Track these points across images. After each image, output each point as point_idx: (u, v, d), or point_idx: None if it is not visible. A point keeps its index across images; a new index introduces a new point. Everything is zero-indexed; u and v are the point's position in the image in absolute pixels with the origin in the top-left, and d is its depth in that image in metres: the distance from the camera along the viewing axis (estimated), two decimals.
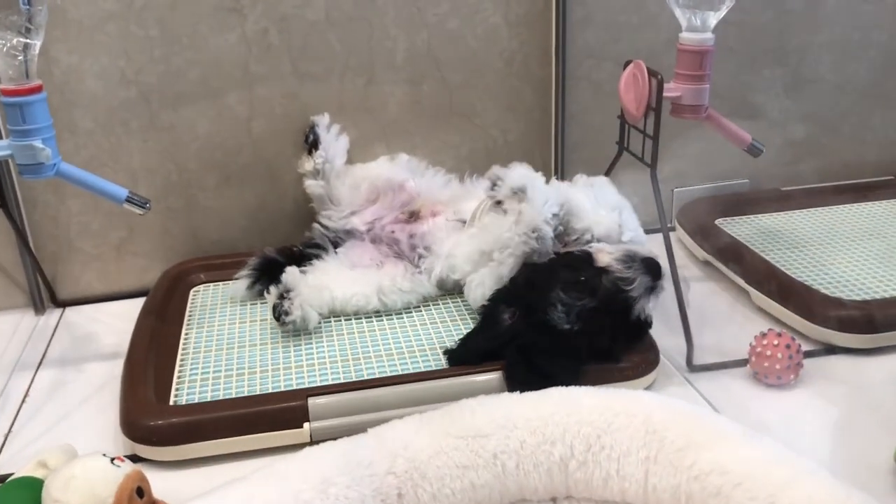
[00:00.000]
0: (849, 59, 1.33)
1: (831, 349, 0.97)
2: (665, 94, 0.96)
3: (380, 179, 1.15)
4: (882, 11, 1.31)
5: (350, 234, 1.12)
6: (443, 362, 0.93)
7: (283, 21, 1.12)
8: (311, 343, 0.98)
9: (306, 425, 0.83)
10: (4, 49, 0.83)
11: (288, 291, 0.98)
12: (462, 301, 1.06)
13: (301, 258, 1.10)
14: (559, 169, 1.26)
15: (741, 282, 1.11)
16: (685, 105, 0.99)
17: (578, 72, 1.23)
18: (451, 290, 1.08)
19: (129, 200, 0.93)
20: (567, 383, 0.79)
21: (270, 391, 0.89)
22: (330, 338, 0.99)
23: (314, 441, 0.82)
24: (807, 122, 1.35)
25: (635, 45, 1.22)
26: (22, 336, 1.09)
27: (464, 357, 0.91)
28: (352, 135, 1.19)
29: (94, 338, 1.08)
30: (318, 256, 1.10)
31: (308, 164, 1.15)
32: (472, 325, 0.99)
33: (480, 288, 0.98)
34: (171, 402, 0.88)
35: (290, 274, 1.00)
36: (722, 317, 1.07)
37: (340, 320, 1.03)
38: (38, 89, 0.86)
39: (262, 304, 1.08)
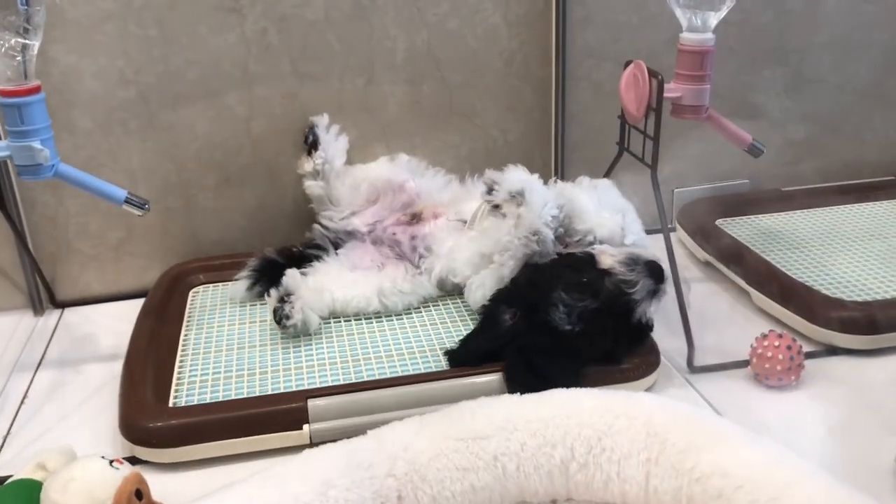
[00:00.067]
0: (849, 59, 1.32)
1: (832, 350, 0.97)
2: (665, 94, 0.95)
3: (380, 180, 1.14)
4: (882, 11, 1.31)
5: (351, 235, 1.12)
6: (443, 363, 0.93)
7: (283, 21, 1.11)
8: (311, 344, 0.98)
9: (306, 427, 0.83)
10: (3, 50, 0.83)
11: (288, 295, 0.98)
12: (462, 302, 1.06)
13: (301, 259, 1.10)
14: (559, 169, 1.26)
15: (742, 283, 1.10)
16: (686, 105, 0.98)
17: (578, 72, 1.22)
18: (451, 291, 1.07)
19: (128, 201, 0.92)
20: (567, 385, 0.79)
21: (270, 393, 0.89)
22: (330, 339, 0.99)
23: (314, 443, 0.82)
24: (807, 123, 1.35)
25: (635, 46, 1.22)
26: (21, 337, 1.09)
27: (464, 358, 0.91)
28: (351, 135, 1.18)
29: (93, 339, 1.08)
30: (318, 257, 1.09)
31: (308, 165, 1.15)
32: (472, 327, 0.99)
33: (481, 290, 0.98)
34: (171, 404, 0.88)
35: (291, 277, 1.00)
36: (722, 318, 1.07)
37: (340, 322, 1.03)
38: (36, 90, 0.86)
39: (261, 305, 1.08)
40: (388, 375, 0.91)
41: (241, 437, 0.82)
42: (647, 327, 0.90)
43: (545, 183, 0.99)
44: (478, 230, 1.02)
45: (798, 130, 1.35)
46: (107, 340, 1.07)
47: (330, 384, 0.90)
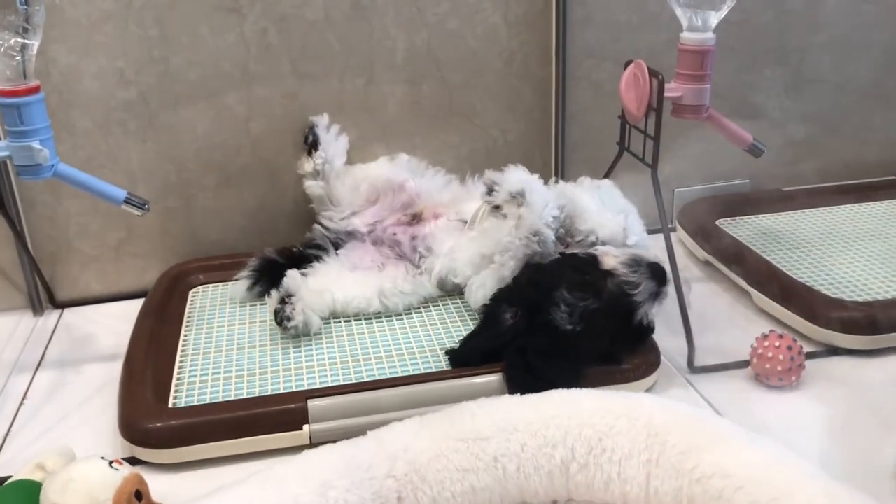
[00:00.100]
0: (849, 58, 1.32)
1: (833, 350, 0.97)
2: (666, 94, 0.95)
3: (380, 180, 1.14)
4: (882, 11, 1.31)
5: (351, 235, 1.12)
6: (443, 364, 0.93)
7: (283, 21, 1.11)
8: (311, 345, 0.98)
9: (306, 427, 0.83)
10: (2, 49, 0.83)
11: (289, 296, 0.98)
12: (462, 302, 1.06)
13: (301, 259, 1.10)
14: (559, 169, 1.25)
15: (742, 283, 1.10)
16: (686, 105, 0.98)
17: (579, 72, 1.22)
18: (451, 291, 1.07)
19: (127, 201, 0.92)
20: (567, 385, 0.79)
21: (270, 393, 0.89)
22: (329, 339, 0.99)
23: (313, 443, 0.82)
24: (808, 122, 1.34)
25: (636, 45, 1.22)
26: (20, 337, 1.09)
27: (465, 357, 0.91)
28: (351, 135, 1.18)
29: (93, 339, 1.08)
30: (318, 258, 1.09)
31: (308, 165, 1.14)
32: (472, 327, 0.98)
33: (482, 290, 0.98)
34: (170, 404, 0.88)
35: (291, 278, 1.00)
36: (723, 318, 1.07)
37: (340, 322, 1.03)
38: (35, 90, 0.86)
39: (261, 305, 1.08)
40: (389, 376, 0.91)
41: (240, 437, 0.82)
42: (648, 329, 0.90)
43: (546, 183, 0.99)
44: (478, 230, 1.02)
45: (798, 130, 1.35)
46: (107, 341, 1.07)
47: (330, 384, 0.90)
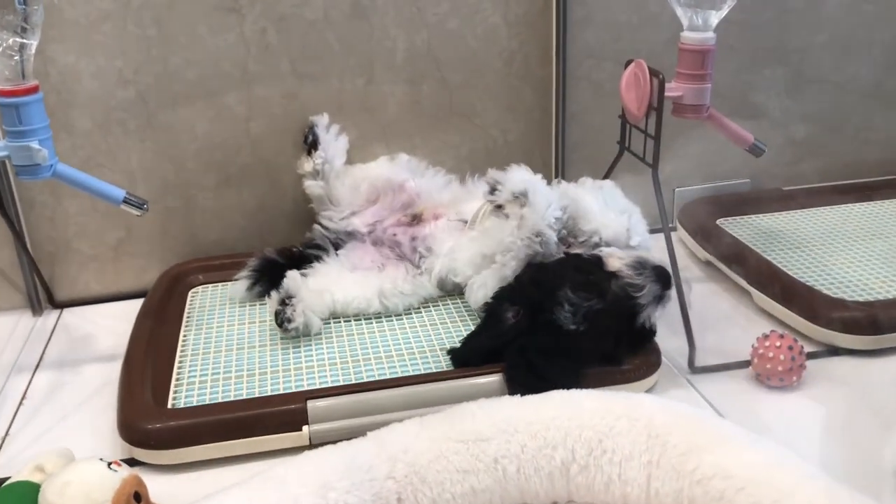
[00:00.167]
0: (850, 58, 1.32)
1: (834, 351, 0.97)
2: (666, 93, 0.95)
3: (380, 180, 1.14)
4: (883, 10, 1.30)
5: (351, 235, 1.12)
6: (443, 364, 0.93)
7: (282, 21, 1.11)
8: (311, 345, 0.98)
9: (305, 428, 0.82)
10: (0, 49, 0.82)
11: (290, 297, 0.98)
12: (463, 302, 1.06)
13: (301, 259, 1.10)
14: (559, 169, 1.25)
15: (743, 283, 1.10)
16: (687, 105, 0.98)
17: (579, 71, 1.22)
18: (451, 291, 1.07)
19: (126, 201, 0.92)
20: (568, 385, 0.78)
21: (269, 394, 0.89)
22: (329, 340, 0.99)
23: (313, 444, 0.82)
24: (808, 122, 1.34)
25: (636, 45, 1.22)
26: (19, 337, 1.09)
27: (466, 357, 0.91)
28: (351, 135, 1.18)
29: (92, 339, 1.08)
30: (318, 258, 1.09)
31: (307, 165, 1.14)
32: (472, 327, 0.98)
33: (483, 289, 0.98)
34: (170, 405, 0.87)
35: (292, 279, 1.00)
36: (724, 318, 1.06)
37: (340, 322, 1.03)
38: (34, 90, 0.85)
39: (261, 305, 1.08)
40: (389, 376, 0.91)
41: (240, 438, 0.82)
42: (650, 332, 0.90)
43: (548, 183, 0.99)
44: (479, 230, 1.01)
45: (799, 130, 1.35)
46: (106, 341, 1.07)
47: (330, 385, 0.90)
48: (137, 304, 1.09)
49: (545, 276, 0.92)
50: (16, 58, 0.83)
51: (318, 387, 0.89)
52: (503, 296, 0.94)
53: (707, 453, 0.67)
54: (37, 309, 1.15)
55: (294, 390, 0.89)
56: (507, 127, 1.24)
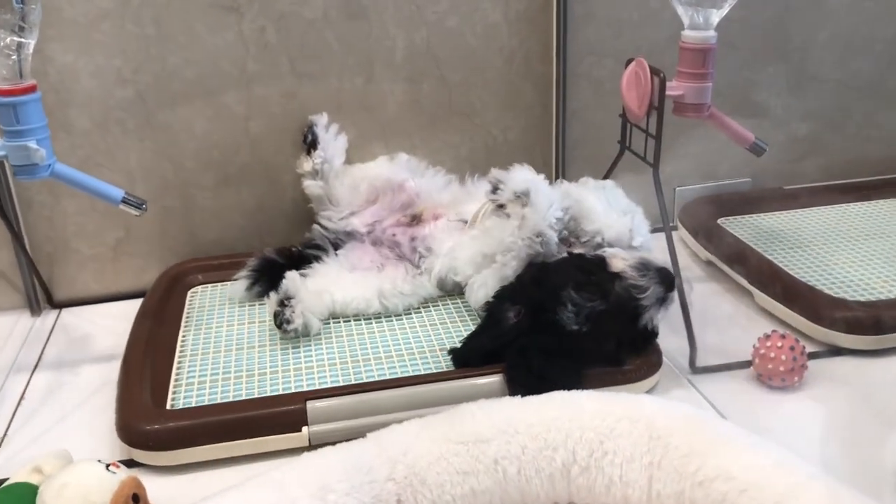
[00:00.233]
0: (852, 55, 1.32)
1: (836, 351, 0.96)
2: (667, 92, 0.94)
3: (379, 179, 1.14)
4: (885, 8, 1.30)
5: (350, 235, 1.11)
6: (443, 365, 0.92)
7: (281, 19, 1.11)
8: (310, 346, 0.97)
9: (305, 429, 0.82)
10: None
11: (289, 298, 0.97)
12: (463, 302, 1.05)
13: (300, 259, 1.09)
14: (560, 168, 1.25)
15: (744, 282, 1.10)
16: (688, 103, 0.98)
17: (579, 69, 1.22)
18: (451, 290, 1.07)
19: (125, 201, 0.91)
20: (569, 386, 0.78)
21: (269, 394, 0.88)
22: (329, 340, 0.98)
23: (313, 445, 0.82)
24: (810, 120, 1.34)
25: (636, 43, 1.21)
26: (18, 338, 1.08)
27: (466, 357, 0.90)
28: (350, 134, 1.18)
29: (91, 340, 1.07)
30: (317, 258, 1.09)
31: (307, 164, 1.14)
32: (472, 327, 0.98)
33: (483, 289, 0.97)
34: (168, 406, 0.87)
35: (291, 280, 0.99)
36: (725, 318, 1.06)
37: (340, 322, 1.02)
38: (31, 89, 0.85)
39: (260, 305, 1.07)
40: (388, 377, 0.90)
41: (239, 439, 0.82)
42: (652, 334, 0.89)
43: (550, 183, 0.99)
44: (480, 229, 1.01)
45: (800, 128, 1.34)
46: (105, 341, 1.06)
47: (329, 386, 0.89)
48: (136, 304, 1.08)
49: (548, 276, 0.91)
50: (13, 57, 0.83)
51: (317, 387, 0.89)
52: (504, 295, 0.94)
53: (709, 455, 0.67)
54: (35, 309, 1.14)
55: (293, 391, 0.89)
56: (508, 125, 1.23)
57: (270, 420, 0.82)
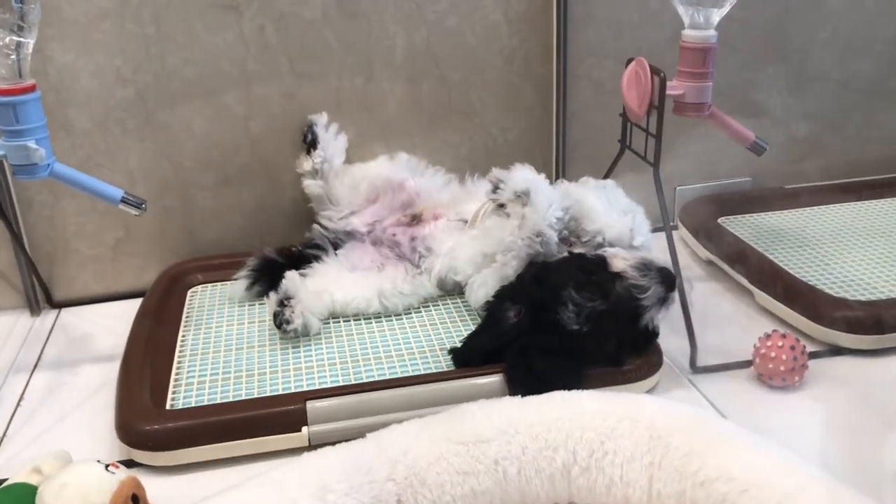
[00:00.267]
0: (853, 55, 1.31)
1: (836, 350, 0.96)
2: (668, 91, 0.94)
3: (379, 179, 1.14)
4: (886, 7, 1.30)
5: (350, 235, 1.11)
6: (444, 364, 0.92)
7: (281, 19, 1.10)
8: (310, 345, 0.97)
9: (305, 429, 0.82)
10: None
11: (288, 299, 0.97)
12: (463, 302, 1.05)
13: (300, 259, 1.09)
14: (560, 168, 1.25)
15: (745, 282, 1.09)
16: (688, 103, 0.97)
17: (579, 70, 1.21)
18: (451, 290, 1.07)
19: (124, 201, 0.91)
20: (569, 386, 0.78)
21: (268, 394, 0.88)
22: (329, 340, 0.98)
23: (312, 445, 0.81)
24: (810, 120, 1.34)
25: (637, 43, 1.21)
26: (17, 338, 1.08)
27: (467, 356, 0.90)
28: (350, 134, 1.17)
29: (91, 340, 1.07)
30: (317, 258, 1.09)
31: (306, 164, 1.14)
32: (473, 327, 0.98)
33: (483, 288, 0.97)
34: (168, 406, 0.87)
35: (290, 280, 0.99)
36: (725, 317, 1.06)
37: (339, 322, 1.02)
38: (31, 89, 0.85)
39: (260, 305, 1.07)
40: (388, 377, 0.90)
41: (238, 439, 0.81)
42: (652, 334, 0.89)
43: (550, 183, 0.98)
44: (480, 228, 1.01)
45: (800, 128, 1.34)
46: (104, 341, 1.06)
47: (329, 385, 0.89)
48: (136, 304, 1.08)
49: (548, 276, 0.91)
50: (13, 56, 0.83)
51: (317, 387, 0.89)
52: (504, 295, 0.93)
53: (710, 455, 0.67)
54: (35, 309, 1.14)
55: (293, 391, 0.88)
56: (508, 125, 1.23)
57: (270, 420, 0.82)
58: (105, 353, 1.02)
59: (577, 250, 0.96)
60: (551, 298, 0.88)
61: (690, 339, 0.95)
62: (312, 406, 0.83)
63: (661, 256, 0.92)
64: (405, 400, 0.84)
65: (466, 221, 1.05)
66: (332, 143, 1.14)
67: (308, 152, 1.14)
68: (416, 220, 1.10)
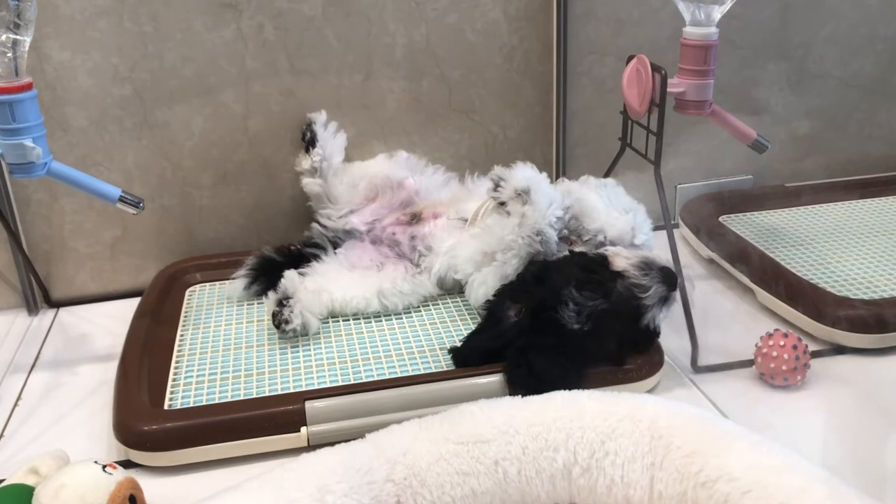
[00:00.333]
0: (854, 53, 1.31)
1: (839, 349, 0.96)
2: (669, 89, 0.94)
3: (378, 177, 1.13)
4: (888, 5, 1.29)
5: (349, 234, 1.11)
6: (443, 364, 0.92)
7: (279, 16, 1.10)
8: (309, 345, 0.97)
9: (303, 429, 0.81)
10: None
11: (287, 298, 0.96)
12: (463, 301, 1.05)
13: (299, 258, 1.09)
14: (561, 166, 1.24)
15: (746, 280, 1.09)
16: (689, 101, 0.97)
17: (580, 67, 1.21)
18: (451, 289, 1.06)
19: (122, 200, 0.91)
20: (570, 386, 0.77)
21: (267, 394, 0.87)
22: (328, 339, 0.98)
23: (311, 445, 0.81)
24: (812, 118, 1.33)
25: (637, 40, 1.21)
26: (15, 337, 1.08)
27: (466, 356, 0.90)
28: (349, 132, 1.17)
29: (89, 339, 1.07)
30: (316, 257, 1.08)
31: (305, 162, 1.13)
32: (472, 326, 0.97)
33: (483, 287, 0.97)
34: (166, 406, 0.86)
35: (289, 279, 0.99)
36: (727, 316, 1.05)
37: (339, 321, 1.02)
38: (27, 87, 0.84)
39: (259, 304, 1.07)
40: (388, 376, 0.90)
41: (237, 440, 0.81)
42: (654, 333, 0.89)
43: (552, 182, 0.98)
44: (480, 227, 1.00)
45: (802, 126, 1.34)
46: (102, 341, 1.06)
47: (328, 385, 0.88)
48: (134, 303, 1.07)
49: (549, 275, 0.91)
50: (9, 54, 0.82)
51: (316, 387, 0.88)
52: (505, 294, 0.93)
53: (711, 455, 0.66)
54: (32, 308, 1.14)
55: (292, 391, 0.88)
56: (508, 123, 1.22)
57: (269, 420, 0.82)
58: (103, 353, 1.02)
59: (578, 249, 0.96)
60: (552, 297, 0.87)
61: (692, 338, 0.94)
62: (311, 406, 0.82)
63: (662, 255, 0.91)
64: (405, 400, 0.83)
65: (466, 220, 1.04)
66: (331, 141, 1.14)
67: (307, 150, 1.13)
68: (415, 218, 1.09)
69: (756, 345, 0.91)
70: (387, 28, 1.14)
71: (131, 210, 0.92)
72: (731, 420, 0.82)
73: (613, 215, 0.97)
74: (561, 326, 0.86)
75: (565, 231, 0.97)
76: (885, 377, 0.91)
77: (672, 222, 1.13)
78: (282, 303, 0.96)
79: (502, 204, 0.97)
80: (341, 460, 0.68)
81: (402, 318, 1.02)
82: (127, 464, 0.80)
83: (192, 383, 0.90)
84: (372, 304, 1.02)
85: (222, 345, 0.98)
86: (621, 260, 0.89)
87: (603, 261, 0.90)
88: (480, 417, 0.73)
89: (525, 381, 0.82)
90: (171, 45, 1.08)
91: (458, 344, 0.92)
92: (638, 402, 0.73)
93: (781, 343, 0.88)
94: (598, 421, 0.71)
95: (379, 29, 1.13)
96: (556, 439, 0.71)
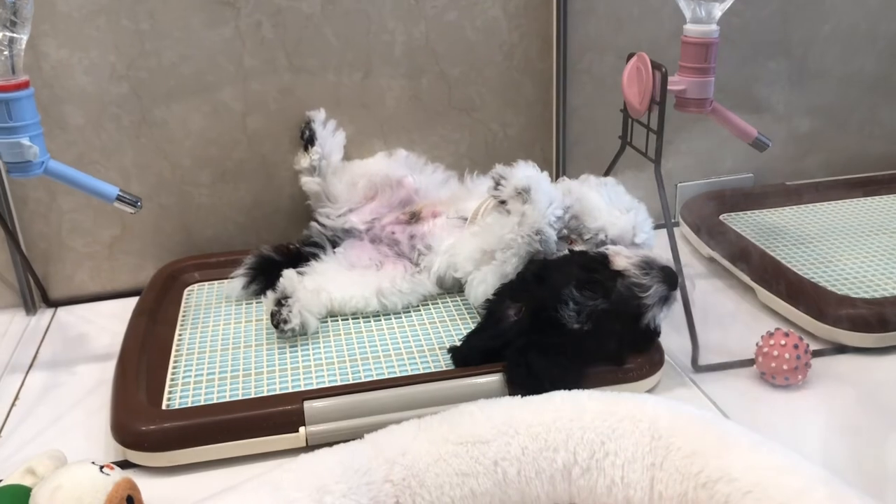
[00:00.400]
0: (855, 51, 1.31)
1: (840, 349, 0.95)
2: (669, 87, 0.93)
3: (378, 176, 1.13)
4: (888, 2, 1.29)
5: (348, 233, 1.10)
6: (442, 364, 0.91)
7: (278, 14, 1.09)
8: (308, 345, 0.96)
9: (302, 429, 0.81)
10: None
11: (286, 298, 0.96)
12: (462, 300, 1.04)
13: (298, 257, 1.08)
14: (560, 164, 1.24)
15: (747, 279, 1.09)
16: (690, 98, 0.97)
17: (580, 65, 1.20)
18: (450, 288, 1.06)
19: (119, 199, 0.91)
20: (570, 386, 0.77)
21: (265, 394, 0.87)
22: (327, 339, 0.97)
23: (310, 446, 0.81)
24: (812, 116, 1.33)
25: (638, 38, 1.20)
26: (13, 337, 1.07)
27: (466, 356, 0.89)
28: (349, 130, 1.17)
29: (87, 339, 1.06)
30: (315, 256, 1.08)
31: (304, 161, 1.13)
32: (472, 325, 0.97)
33: (483, 285, 0.97)
34: (164, 406, 0.86)
35: (288, 279, 0.98)
36: (727, 316, 1.05)
37: (338, 321, 1.01)
38: (24, 85, 0.84)
39: (257, 303, 1.06)
40: (387, 376, 0.89)
41: (235, 440, 0.81)
42: (654, 333, 0.88)
43: (553, 180, 0.98)
44: (480, 225, 1.00)
45: (803, 124, 1.33)
46: (100, 340, 1.05)
47: (327, 385, 0.88)
48: (132, 302, 1.07)
49: (549, 274, 0.90)
50: (5, 52, 0.82)
51: (315, 387, 0.88)
52: (505, 293, 0.93)
53: (712, 456, 0.66)
54: (30, 307, 1.13)
55: (291, 391, 0.87)
56: (507, 121, 1.22)
57: (267, 420, 0.81)
58: (101, 353, 1.02)
59: (578, 248, 0.95)
60: (552, 297, 0.87)
61: (692, 337, 0.94)
62: (310, 406, 0.82)
63: (662, 254, 0.91)
64: (404, 400, 0.83)
65: (466, 219, 1.04)
66: (330, 139, 1.14)
67: (306, 149, 1.13)
68: (415, 217, 1.09)
69: (757, 344, 0.90)
70: (386, 26, 1.13)
71: (129, 209, 0.91)
72: (731, 420, 0.82)
73: (614, 214, 0.96)
74: (561, 326, 0.86)
75: (565, 231, 0.97)
76: (886, 377, 0.91)
77: (672, 221, 1.13)
78: (280, 302, 0.96)
79: (502, 202, 0.96)
80: (340, 461, 0.68)
81: (401, 318, 1.02)
82: (124, 464, 0.80)
83: (190, 383, 0.90)
84: (371, 304, 1.01)
85: (220, 344, 0.97)
86: (622, 259, 0.89)
87: (603, 260, 0.90)
88: (480, 417, 0.72)
89: (525, 381, 0.81)
90: (169, 43, 1.08)
91: (458, 343, 0.92)
92: (638, 402, 0.73)
93: (782, 342, 0.88)
94: (598, 421, 0.71)
95: (378, 26, 1.13)
96: (555, 439, 0.70)
